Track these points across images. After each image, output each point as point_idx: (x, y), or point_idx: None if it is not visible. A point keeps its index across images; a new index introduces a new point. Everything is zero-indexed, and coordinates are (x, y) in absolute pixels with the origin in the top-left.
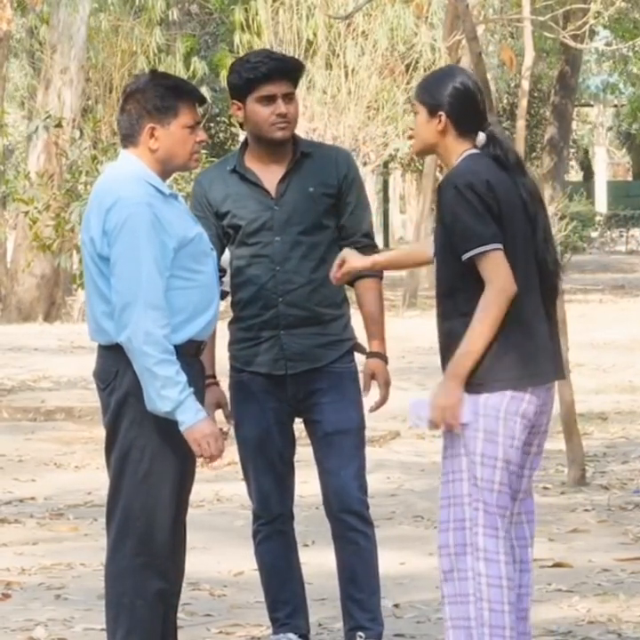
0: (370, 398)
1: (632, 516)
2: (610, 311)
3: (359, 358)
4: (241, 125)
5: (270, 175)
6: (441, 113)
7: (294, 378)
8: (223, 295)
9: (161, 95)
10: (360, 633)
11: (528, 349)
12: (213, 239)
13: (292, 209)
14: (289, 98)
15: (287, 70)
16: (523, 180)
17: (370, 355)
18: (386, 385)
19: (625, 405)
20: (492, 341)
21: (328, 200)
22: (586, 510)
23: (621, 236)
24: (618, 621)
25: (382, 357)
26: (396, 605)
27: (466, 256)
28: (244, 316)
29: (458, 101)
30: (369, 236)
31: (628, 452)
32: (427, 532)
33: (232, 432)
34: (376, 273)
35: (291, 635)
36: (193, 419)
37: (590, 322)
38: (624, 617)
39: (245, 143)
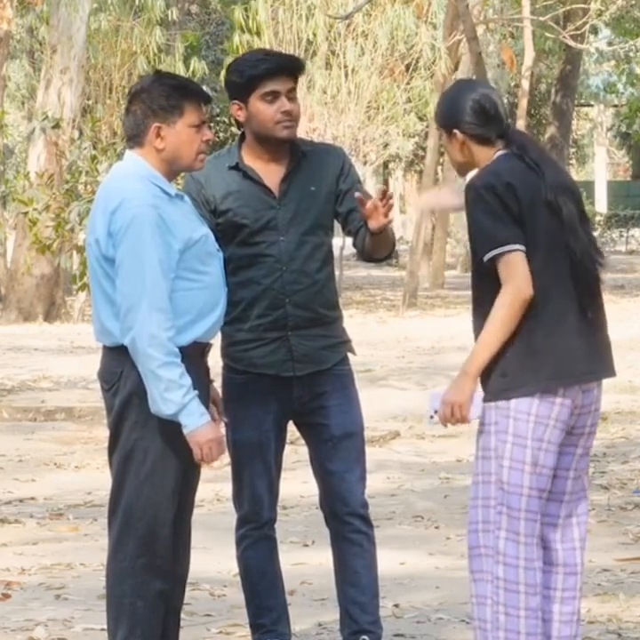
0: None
1: (632, 516)
2: (610, 311)
3: (353, 359)
4: (239, 126)
5: (271, 174)
6: (455, 131)
7: (301, 380)
8: None
9: (167, 94)
10: (364, 637)
11: (554, 350)
12: None
13: (296, 208)
14: (292, 95)
15: (289, 67)
16: (546, 174)
17: None
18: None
19: (625, 405)
20: (517, 345)
21: (330, 198)
22: None
23: (621, 236)
24: (618, 621)
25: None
26: (396, 605)
27: (486, 257)
28: (246, 316)
29: (468, 117)
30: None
31: (627, 451)
32: (427, 531)
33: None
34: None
35: None
36: (196, 422)
37: None
38: (624, 617)
39: (241, 140)
